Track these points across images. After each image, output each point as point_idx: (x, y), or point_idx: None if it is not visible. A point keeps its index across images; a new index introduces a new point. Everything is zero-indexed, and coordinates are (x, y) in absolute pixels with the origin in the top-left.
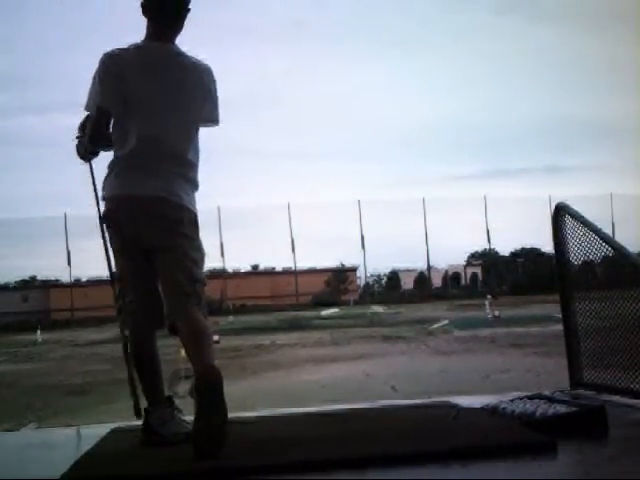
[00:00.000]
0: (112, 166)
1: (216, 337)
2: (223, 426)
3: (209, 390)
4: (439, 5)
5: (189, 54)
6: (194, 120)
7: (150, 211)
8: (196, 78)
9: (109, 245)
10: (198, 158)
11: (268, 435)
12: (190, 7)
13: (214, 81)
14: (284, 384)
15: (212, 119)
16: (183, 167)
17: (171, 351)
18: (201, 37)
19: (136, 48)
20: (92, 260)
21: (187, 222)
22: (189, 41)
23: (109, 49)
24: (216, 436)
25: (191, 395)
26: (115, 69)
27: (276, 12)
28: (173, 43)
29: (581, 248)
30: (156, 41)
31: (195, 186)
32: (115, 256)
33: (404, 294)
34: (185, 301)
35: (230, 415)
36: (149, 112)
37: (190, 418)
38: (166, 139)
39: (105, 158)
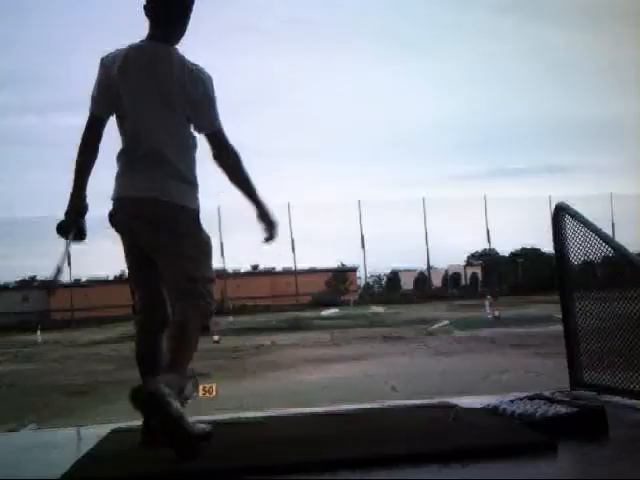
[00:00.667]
0: (118, 162)
1: (216, 337)
2: (177, 427)
3: (143, 404)
4: (440, 5)
5: (185, 55)
6: (181, 119)
7: (143, 213)
8: (184, 79)
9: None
10: (190, 154)
11: (268, 435)
12: (190, 10)
13: (204, 84)
14: (284, 384)
15: (204, 123)
16: (172, 165)
17: None
18: (202, 36)
19: (130, 48)
20: (92, 260)
21: (183, 220)
22: (191, 40)
23: (107, 51)
24: (179, 438)
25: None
26: (106, 73)
27: (278, 11)
28: (170, 43)
29: (581, 248)
30: (152, 41)
31: (189, 183)
32: (124, 256)
33: (404, 294)
34: (182, 300)
35: (231, 415)
36: (135, 111)
37: (190, 418)
38: (151, 138)
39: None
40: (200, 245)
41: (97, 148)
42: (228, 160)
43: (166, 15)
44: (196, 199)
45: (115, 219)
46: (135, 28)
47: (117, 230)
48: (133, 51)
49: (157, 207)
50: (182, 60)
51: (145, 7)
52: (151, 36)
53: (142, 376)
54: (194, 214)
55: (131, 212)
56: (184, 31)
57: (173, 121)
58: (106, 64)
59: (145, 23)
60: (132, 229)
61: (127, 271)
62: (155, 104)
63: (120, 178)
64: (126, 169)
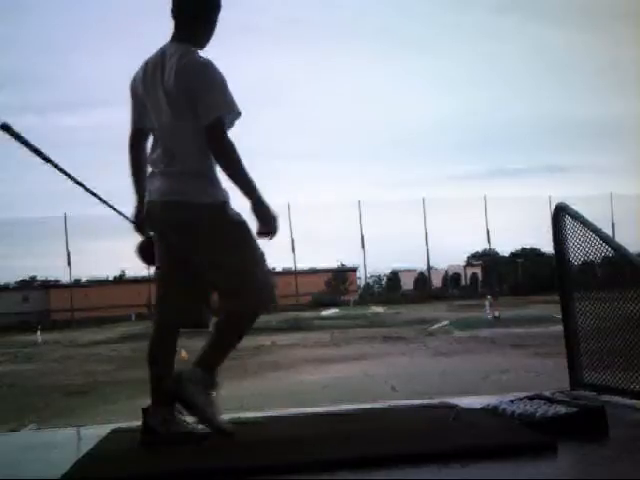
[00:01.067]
0: None
1: None
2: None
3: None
4: (439, 5)
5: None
6: (189, 116)
7: (169, 217)
8: (181, 74)
9: None
10: (207, 150)
11: (268, 435)
12: (208, 10)
13: (196, 75)
14: (285, 385)
15: (201, 117)
16: (187, 164)
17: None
18: None
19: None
20: (92, 260)
21: (207, 218)
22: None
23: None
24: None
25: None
26: (134, 84)
27: (278, 12)
28: (191, 44)
29: (581, 248)
30: (172, 42)
31: (209, 179)
32: (156, 253)
33: (404, 294)
34: (236, 296)
35: (230, 415)
36: (152, 112)
37: (190, 418)
38: (165, 138)
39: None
40: (233, 235)
41: (142, 154)
42: (219, 152)
43: (182, 15)
44: (220, 191)
45: (147, 221)
46: (135, 28)
47: (151, 230)
48: (153, 54)
49: (181, 209)
50: (182, 54)
51: (171, 9)
52: (172, 37)
53: (153, 377)
54: (219, 208)
55: (158, 215)
56: (205, 32)
57: (182, 119)
58: (134, 76)
59: (143, 23)
60: (162, 232)
61: (157, 268)
62: (164, 104)
63: (148, 180)
64: (151, 171)
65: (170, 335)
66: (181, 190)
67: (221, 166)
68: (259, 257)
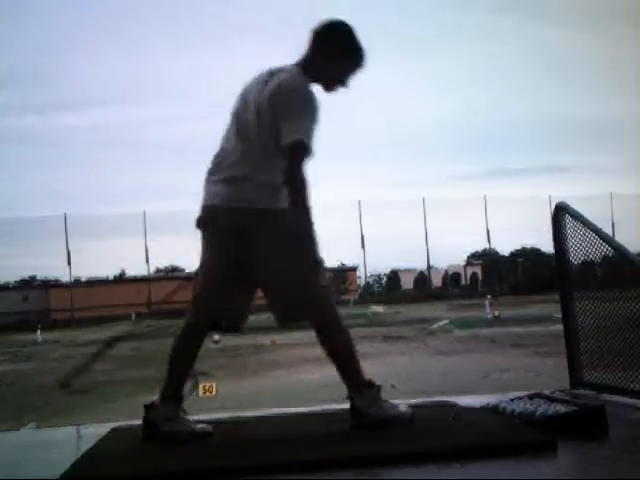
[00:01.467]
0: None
1: (216, 337)
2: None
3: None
4: (439, 5)
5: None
6: (265, 128)
7: (229, 223)
8: (277, 89)
9: None
10: (272, 158)
11: (267, 435)
12: (323, 46)
13: (293, 97)
14: (284, 383)
15: (286, 134)
16: (254, 172)
17: None
18: (203, 36)
19: None
20: (92, 260)
21: (269, 225)
22: (191, 41)
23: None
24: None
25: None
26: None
27: (277, 11)
28: (299, 66)
29: (581, 248)
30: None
31: (274, 187)
32: (203, 254)
33: (404, 294)
34: (309, 305)
35: (229, 415)
36: (235, 119)
37: (192, 418)
38: (239, 145)
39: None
40: (294, 240)
41: None
42: (290, 172)
43: (310, 41)
44: (283, 199)
45: (201, 224)
46: (133, 28)
47: (204, 232)
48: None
49: (246, 215)
50: (289, 73)
51: None
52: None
53: (169, 374)
54: (281, 215)
55: (220, 220)
56: (324, 70)
57: (262, 130)
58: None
59: (142, 23)
60: (222, 236)
61: (200, 267)
62: (253, 112)
63: (206, 184)
64: (212, 175)
65: (199, 335)
66: (246, 197)
67: (285, 180)
68: (319, 263)
